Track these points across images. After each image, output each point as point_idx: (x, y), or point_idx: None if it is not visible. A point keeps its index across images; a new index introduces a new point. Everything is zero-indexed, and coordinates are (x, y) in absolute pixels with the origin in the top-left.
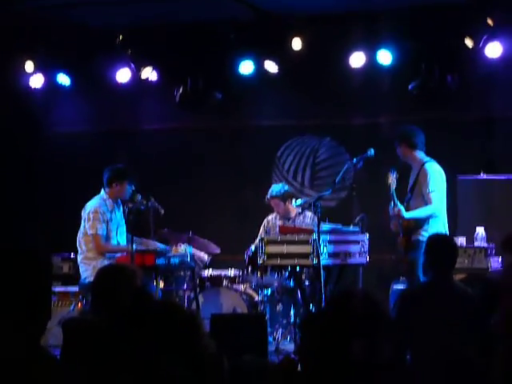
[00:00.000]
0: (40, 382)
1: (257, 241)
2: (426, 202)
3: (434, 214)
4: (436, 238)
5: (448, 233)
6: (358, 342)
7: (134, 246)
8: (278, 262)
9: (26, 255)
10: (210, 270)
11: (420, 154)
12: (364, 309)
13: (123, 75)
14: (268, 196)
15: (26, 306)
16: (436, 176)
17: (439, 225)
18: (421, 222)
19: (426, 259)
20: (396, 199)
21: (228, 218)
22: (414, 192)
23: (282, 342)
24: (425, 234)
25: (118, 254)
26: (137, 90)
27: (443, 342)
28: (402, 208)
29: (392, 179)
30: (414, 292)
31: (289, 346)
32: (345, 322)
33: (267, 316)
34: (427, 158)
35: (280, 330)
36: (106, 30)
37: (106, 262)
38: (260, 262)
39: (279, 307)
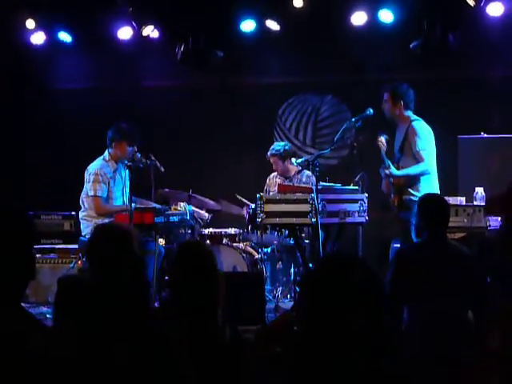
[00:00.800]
0: (18, 342)
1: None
2: (416, 160)
3: (426, 171)
4: (427, 198)
5: (439, 191)
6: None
7: (133, 205)
8: (277, 220)
9: None
10: (211, 228)
11: (409, 113)
12: (360, 279)
13: (125, 33)
14: (268, 153)
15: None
16: (425, 134)
17: (430, 183)
18: (412, 181)
19: (419, 219)
20: (387, 160)
21: (229, 176)
22: (404, 151)
23: (282, 299)
24: (416, 194)
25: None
26: (138, 48)
27: (439, 301)
28: (393, 167)
29: (382, 142)
30: (408, 251)
31: (289, 304)
32: (340, 290)
33: (267, 274)
34: (415, 117)
35: (280, 288)
36: None
37: (106, 221)
38: (258, 220)
39: (279, 265)
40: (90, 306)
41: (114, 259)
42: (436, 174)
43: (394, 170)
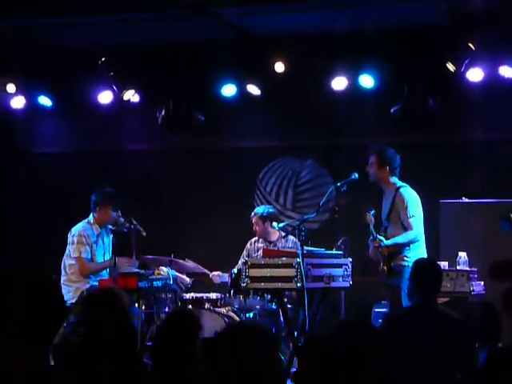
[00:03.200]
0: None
1: (240, 263)
2: (404, 227)
3: (415, 239)
4: (422, 263)
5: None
6: None
7: (116, 268)
8: (262, 285)
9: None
10: (192, 293)
11: (394, 179)
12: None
13: (105, 97)
14: (252, 213)
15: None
16: (413, 201)
17: (420, 249)
18: (402, 248)
19: (412, 283)
20: (376, 234)
21: (210, 239)
22: (391, 219)
23: None
24: (407, 260)
25: (102, 277)
26: (119, 112)
27: (429, 366)
28: (383, 238)
29: (370, 218)
30: (399, 316)
31: None
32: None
33: None
34: (401, 183)
35: None
36: (87, 51)
37: (87, 286)
38: (243, 285)
39: None
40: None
41: (108, 322)
42: (424, 240)
43: (384, 242)
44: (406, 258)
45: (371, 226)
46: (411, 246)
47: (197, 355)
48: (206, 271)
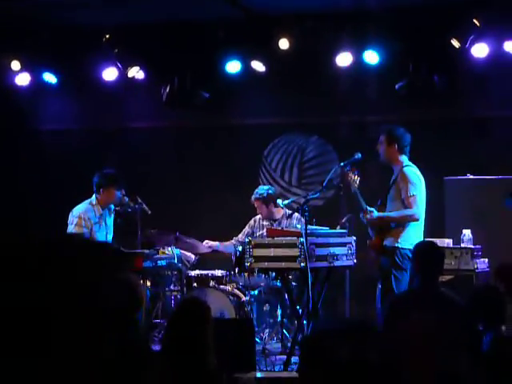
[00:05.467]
0: None
1: (239, 236)
2: (405, 206)
3: (413, 217)
4: (424, 246)
5: (423, 237)
6: None
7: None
8: (266, 264)
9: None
10: (197, 270)
11: (403, 158)
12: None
13: (110, 74)
14: (252, 197)
15: None
16: (416, 181)
17: (415, 231)
18: (396, 225)
19: (414, 266)
20: (364, 203)
21: (215, 216)
22: (391, 195)
23: (269, 342)
24: (400, 239)
25: None
26: (123, 89)
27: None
28: (374, 210)
29: (352, 178)
30: (401, 300)
31: (276, 346)
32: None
33: (254, 316)
34: (407, 162)
35: (267, 330)
36: (92, 28)
37: None
38: (247, 264)
39: (266, 307)
40: None
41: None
42: (423, 222)
43: (375, 213)
44: (398, 237)
45: (355, 190)
46: (407, 226)
47: (209, 347)
48: (197, 243)
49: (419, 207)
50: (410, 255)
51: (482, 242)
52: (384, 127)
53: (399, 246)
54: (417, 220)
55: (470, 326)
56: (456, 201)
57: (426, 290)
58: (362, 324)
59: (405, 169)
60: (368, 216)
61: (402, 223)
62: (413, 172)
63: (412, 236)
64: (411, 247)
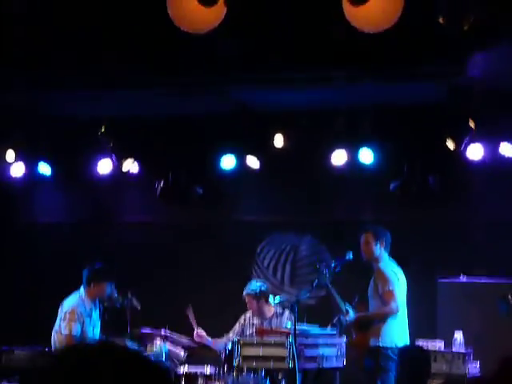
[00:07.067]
0: None
1: (230, 335)
2: (382, 301)
3: (392, 313)
4: (410, 352)
5: (407, 335)
6: None
7: None
8: (254, 364)
9: None
10: (187, 366)
11: (385, 255)
12: None
13: (104, 166)
14: (244, 292)
15: None
16: (392, 276)
17: (399, 327)
18: (378, 323)
19: (401, 372)
20: (343, 305)
21: (208, 313)
22: (370, 292)
23: None
24: (382, 340)
25: None
26: (118, 182)
27: None
28: (350, 310)
29: (321, 271)
30: None
31: None
32: None
33: None
34: (387, 259)
35: None
36: (87, 121)
37: None
38: (235, 364)
39: None
40: None
41: None
42: (405, 317)
43: (352, 314)
44: (379, 335)
45: (336, 297)
46: (388, 322)
47: None
48: (194, 326)
49: (396, 301)
50: (393, 356)
51: (473, 344)
52: (367, 227)
53: (382, 345)
54: (395, 314)
55: None
56: (449, 303)
57: None
58: None
59: (381, 265)
60: (347, 317)
61: (382, 320)
62: (390, 267)
63: (394, 333)
64: (394, 346)
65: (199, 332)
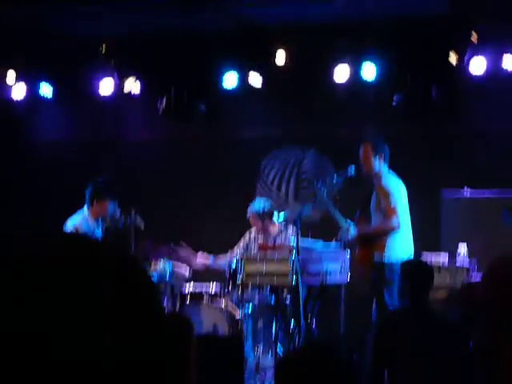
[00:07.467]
0: None
1: (235, 250)
2: (385, 216)
3: (394, 229)
4: (411, 265)
5: (412, 249)
6: None
7: None
8: (257, 280)
9: None
10: (192, 283)
11: (384, 168)
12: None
13: (106, 86)
14: (248, 212)
15: None
16: (395, 190)
17: (403, 242)
18: (381, 239)
19: (402, 285)
20: (343, 221)
21: (213, 229)
22: (372, 206)
23: (263, 357)
24: (387, 255)
25: None
26: (120, 101)
27: (423, 373)
28: (352, 227)
29: (319, 187)
30: (390, 321)
31: (270, 361)
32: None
33: (248, 332)
34: (387, 172)
35: (261, 346)
36: (88, 40)
37: None
38: (239, 280)
39: (260, 323)
40: None
41: None
42: (409, 230)
43: (353, 231)
44: (384, 251)
45: (336, 213)
46: (391, 237)
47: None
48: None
49: (399, 217)
50: (399, 269)
51: (477, 255)
52: (365, 137)
53: (386, 260)
54: (397, 230)
55: (461, 344)
56: (452, 214)
57: (416, 309)
58: (327, 350)
59: (383, 180)
60: (348, 234)
61: (385, 235)
62: (392, 182)
63: (399, 247)
64: (399, 260)
65: (199, 257)
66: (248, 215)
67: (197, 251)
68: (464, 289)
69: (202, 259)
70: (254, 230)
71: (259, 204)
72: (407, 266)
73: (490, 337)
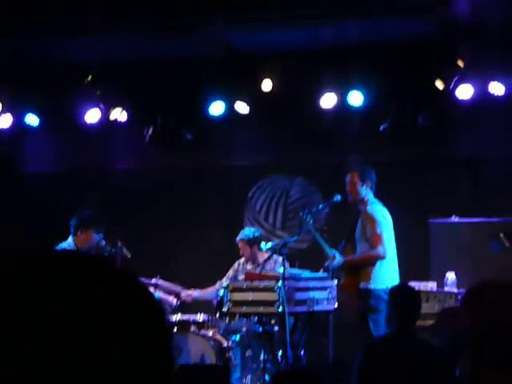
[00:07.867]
0: None
1: (223, 282)
2: (370, 245)
3: (379, 257)
4: (400, 290)
5: (397, 278)
6: None
7: None
8: (244, 309)
9: None
10: (179, 314)
11: (370, 196)
12: None
13: (92, 115)
14: (237, 238)
15: None
16: (380, 218)
17: (388, 270)
18: (366, 267)
19: (390, 311)
20: (328, 249)
21: (199, 259)
22: (357, 235)
23: None
24: (372, 282)
25: None
26: (106, 130)
27: None
28: (337, 254)
29: (306, 221)
30: (375, 348)
31: None
32: None
33: (237, 362)
34: (373, 200)
35: (249, 376)
36: (74, 69)
37: None
38: (225, 309)
39: (249, 352)
40: None
41: None
42: (394, 259)
43: (338, 258)
44: (369, 278)
45: (321, 241)
46: (377, 265)
47: None
48: (179, 290)
49: (384, 245)
50: (385, 296)
51: (466, 285)
52: (352, 166)
53: (372, 287)
54: (383, 258)
55: (447, 371)
56: (441, 243)
57: (403, 335)
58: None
59: (368, 207)
60: (334, 262)
61: (370, 263)
62: (377, 209)
63: (384, 275)
64: (384, 287)
65: (183, 294)
66: (237, 240)
67: (184, 282)
68: (447, 314)
69: (189, 291)
70: (242, 260)
71: (249, 230)
72: (395, 292)
73: (474, 362)
